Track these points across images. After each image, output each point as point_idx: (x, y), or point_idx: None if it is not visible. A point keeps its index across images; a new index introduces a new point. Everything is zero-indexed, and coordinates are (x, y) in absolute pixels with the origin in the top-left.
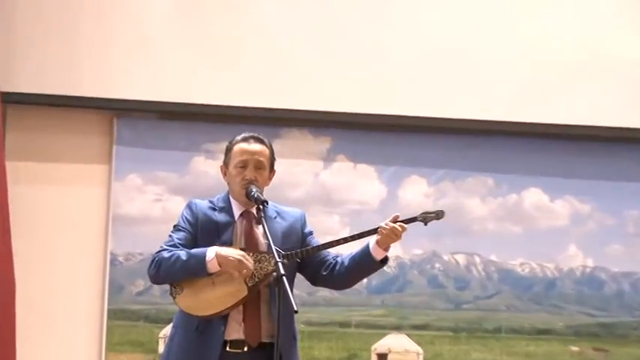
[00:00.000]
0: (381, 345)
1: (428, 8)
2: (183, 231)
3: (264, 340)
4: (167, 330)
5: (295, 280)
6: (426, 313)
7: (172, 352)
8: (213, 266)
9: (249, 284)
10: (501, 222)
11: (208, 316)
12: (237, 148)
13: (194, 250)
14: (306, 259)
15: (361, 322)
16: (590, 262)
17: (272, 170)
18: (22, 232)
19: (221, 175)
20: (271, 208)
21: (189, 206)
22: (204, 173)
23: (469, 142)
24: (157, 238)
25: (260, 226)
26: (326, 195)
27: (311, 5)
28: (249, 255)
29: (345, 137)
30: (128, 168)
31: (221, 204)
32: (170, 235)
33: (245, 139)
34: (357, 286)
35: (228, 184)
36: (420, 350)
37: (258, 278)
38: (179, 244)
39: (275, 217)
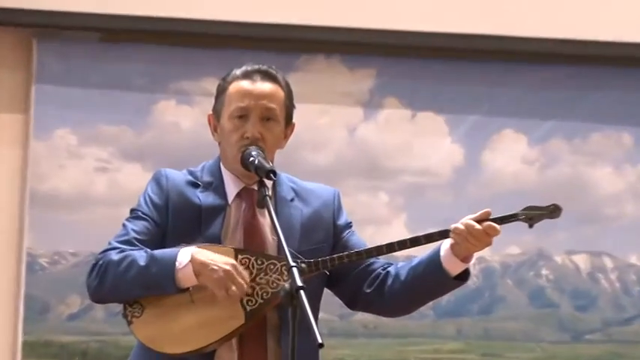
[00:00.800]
0: None
1: None
2: (145, 219)
3: None
4: None
5: (322, 298)
6: (528, 347)
7: None
8: (186, 277)
9: (248, 307)
10: None
11: (182, 355)
12: (233, 88)
13: (159, 252)
14: (340, 267)
15: None
16: None
17: (289, 123)
18: None
19: (209, 130)
20: (286, 184)
21: (156, 180)
22: (176, 127)
23: (598, 76)
24: (100, 229)
25: (267, 215)
26: (368, 161)
27: None
28: (247, 261)
29: (397, 70)
30: (55, 119)
31: (207, 177)
32: (124, 226)
33: (247, 75)
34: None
35: (219, 145)
36: None
37: (263, 299)
38: (137, 239)
39: (292, 200)
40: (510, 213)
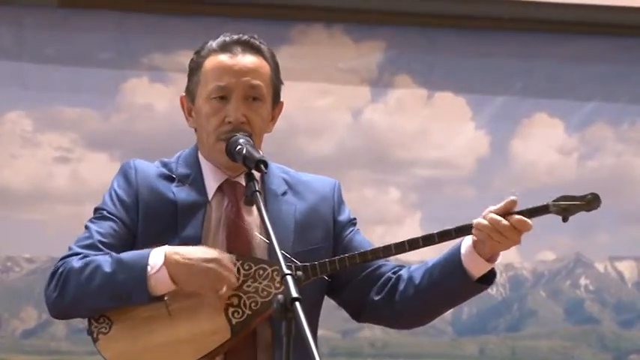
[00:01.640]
0: None
1: None
2: (111, 220)
3: None
4: None
5: (322, 308)
6: None
7: None
8: (160, 283)
9: (234, 320)
10: None
11: None
12: (210, 63)
13: (127, 255)
14: (342, 272)
15: None
16: None
17: (277, 103)
18: None
19: (183, 115)
20: (276, 175)
21: (123, 173)
22: (148, 109)
23: None
24: (61, 230)
25: (254, 211)
26: (376, 150)
27: None
28: (233, 263)
29: (410, 41)
30: (5, 100)
31: (183, 169)
32: (87, 228)
33: (225, 47)
34: (436, 321)
35: (195, 131)
36: None
37: (251, 309)
38: (102, 243)
39: (283, 194)
40: (540, 204)
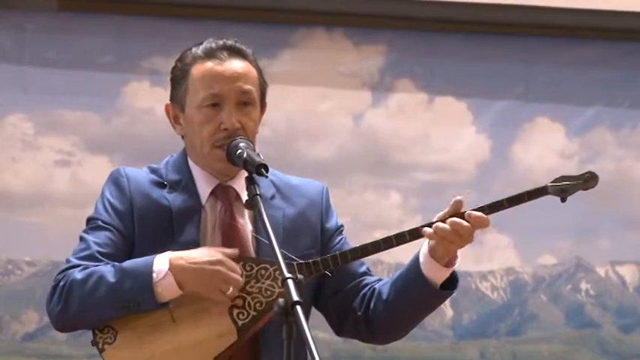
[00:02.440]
0: None
1: None
2: (107, 229)
3: None
4: None
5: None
6: None
7: None
8: (167, 289)
9: (240, 321)
10: None
11: None
12: (198, 71)
13: (130, 264)
14: (330, 281)
15: None
16: None
17: (263, 105)
18: None
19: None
20: (265, 179)
21: (114, 181)
22: (149, 113)
23: None
24: (61, 233)
25: (247, 215)
26: (377, 155)
27: None
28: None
29: (411, 45)
30: (7, 103)
31: (174, 175)
32: (82, 239)
33: (211, 53)
34: (437, 326)
35: (183, 138)
36: None
37: (256, 310)
38: (100, 253)
39: (272, 197)
40: (539, 186)
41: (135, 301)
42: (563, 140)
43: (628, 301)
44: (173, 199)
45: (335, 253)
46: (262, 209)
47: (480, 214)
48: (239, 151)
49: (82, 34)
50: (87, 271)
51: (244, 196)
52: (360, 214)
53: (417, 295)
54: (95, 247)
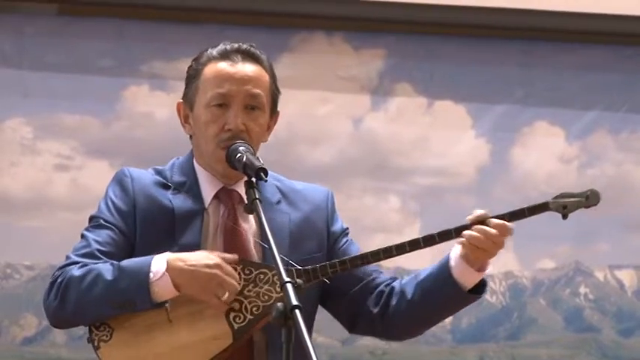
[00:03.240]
0: None
1: None
2: (109, 228)
3: None
4: None
5: (316, 317)
6: None
7: None
8: (163, 290)
9: (236, 325)
10: None
11: None
12: (210, 71)
13: (128, 262)
14: (338, 282)
15: None
16: None
17: (274, 112)
18: None
19: (179, 121)
20: (270, 183)
21: (119, 181)
22: (149, 117)
23: None
24: (61, 237)
25: (251, 218)
26: (376, 158)
27: None
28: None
29: (411, 50)
30: (6, 107)
31: (179, 177)
32: (84, 237)
33: (225, 55)
34: (436, 329)
35: (191, 139)
36: None
37: (253, 314)
38: (100, 252)
39: (277, 202)
40: (540, 202)
41: (131, 300)
42: (562, 144)
43: (627, 306)
44: (176, 200)
45: (334, 261)
46: (261, 213)
47: (497, 223)
48: (238, 154)
49: (82, 38)
50: (85, 268)
51: None
52: (360, 218)
53: (445, 297)
54: (95, 245)
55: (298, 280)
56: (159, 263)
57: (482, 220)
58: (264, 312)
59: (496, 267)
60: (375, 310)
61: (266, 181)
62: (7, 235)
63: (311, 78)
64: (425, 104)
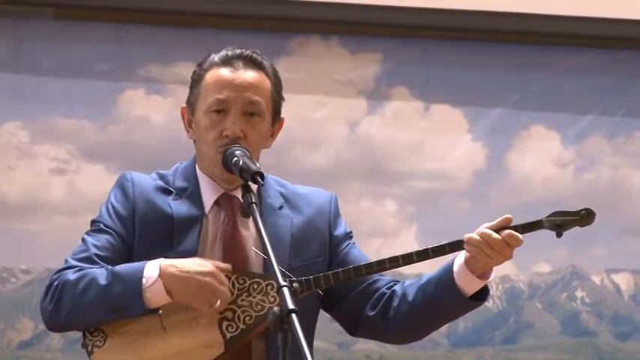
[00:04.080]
0: None
1: None
2: (108, 233)
3: None
4: None
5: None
6: None
7: None
8: (156, 296)
9: (228, 334)
10: None
11: None
12: (211, 76)
13: (122, 268)
14: (339, 286)
15: None
16: None
17: (277, 119)
18: None
19: (179, 126)
20: (273, 188)
21: (120, 186)
22: (145, 121)
23: None
24: (57, 241)
25: (251, 225)
26: (372, 162)
27: None
28: (228, 277)
29: (407, 54)
30: (2, 111)
31: (181, 182)
32: (83, 240)
33: (227, 61)
34: (432, 333)
35: (195, 143)
36: None
37: (245, 324)
38: (98, 256)
39: (280, 207)
40: (534, 220)
41: (123, 305)
42: (558, 148)
43: (623, 310)
44: (176, 206)
45: (328, 273)
46: (258, 217)
47: (508, 233)
48: (235, 158)
49: (78, 42)
50: (80, 272)
51: None
52: (356, 222)
53: (446, 302)
54: (94, 250)
55: (295, 284)
56: (152, 269)
57: (502, 227)
58: (257, 322)
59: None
60: (376, 313)
61: (262, 185)
62: (3, 239)
63: (307, 82)
64: (421, 108)
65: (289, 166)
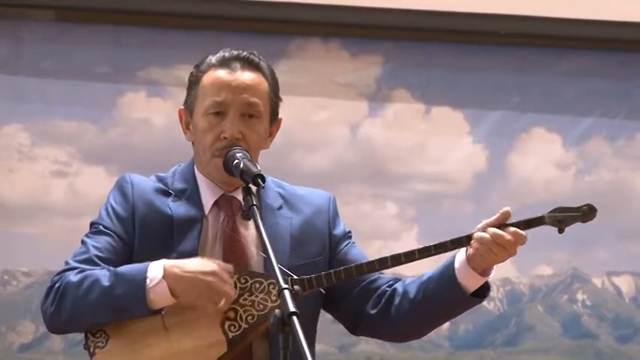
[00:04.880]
0: None
1: None
2: (108, 234)
3: None
4: None
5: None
6: None
7: None
8: (160, 297)
9: (231, 334)
10: None
11: None
12: (208, 78)
13: (125, 269)
14: (338, 286)
15: None
16: None
17: (275, 120)
18: None
19: (180, 129)
20: (272, 189)
21: (120, 188)
22: (146, 123)
23: None
24: (58, 244)
25: (251, 225)
26: (373, 165)
27: None
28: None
29: (408, 56)
30: (3, 113)
31: (180, 184)
32: (83, 242)
33: (224, 63)
34: (433, 336)
35: (193, 145)
36: None
37: (248, 323)
38: (99, 258)
39: (279, 208)
40: (535, 216)
41: (127, 306)
42: (559, 151)
43: (624, 312)
44: (176, 207)
45: (329, 271)
46: (259, 220)
47: (513, 230)
48: (236, 161)
49: (79, 44)
50: (82, 274)
51: None
52: (356, 225)
53: (448, 299)
54: (94, 252)
55: (295, 287)
56: (155, 270)
57: (503, 223)
58: (259, 321)
59: (494, 273)
60: (377, 311)
61: (263, 187)
62: (4, 242)
63: (308, 84)
64: (422, 110)
65: (290, 169)
